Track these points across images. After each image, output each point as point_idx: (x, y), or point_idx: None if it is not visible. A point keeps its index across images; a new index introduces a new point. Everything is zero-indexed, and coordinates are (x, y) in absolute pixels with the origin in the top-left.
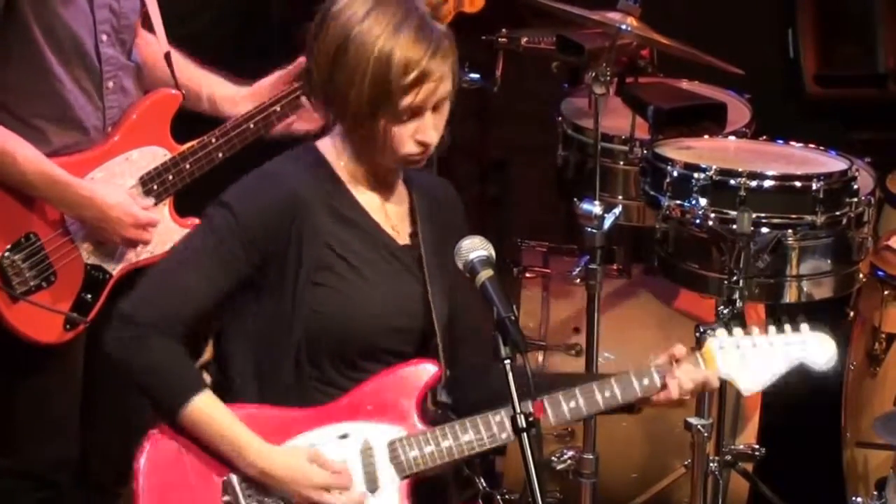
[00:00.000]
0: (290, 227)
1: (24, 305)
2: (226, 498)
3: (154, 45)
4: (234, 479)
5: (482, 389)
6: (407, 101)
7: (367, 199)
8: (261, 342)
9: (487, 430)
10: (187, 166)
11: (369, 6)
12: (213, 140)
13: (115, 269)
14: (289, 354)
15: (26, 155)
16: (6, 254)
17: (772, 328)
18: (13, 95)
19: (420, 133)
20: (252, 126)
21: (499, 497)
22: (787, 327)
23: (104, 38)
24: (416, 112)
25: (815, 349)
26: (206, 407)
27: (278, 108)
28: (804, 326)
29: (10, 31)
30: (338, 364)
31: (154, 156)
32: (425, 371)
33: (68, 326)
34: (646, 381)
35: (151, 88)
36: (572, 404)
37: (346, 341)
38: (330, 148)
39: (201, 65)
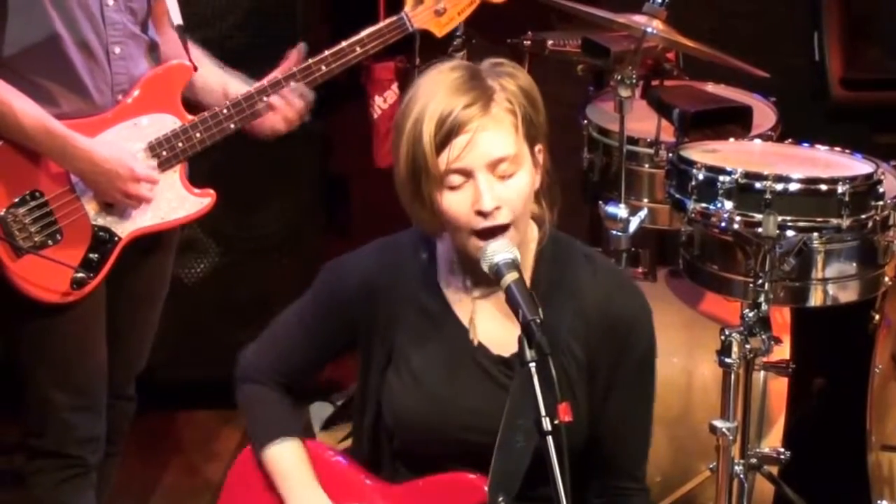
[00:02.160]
0: (359, 310)
1: (30, 261)
2: None
3: (171, 42)
4: None
5: None
6: (443, 158)
7: (462, 302)
8: (356, 407)
9: None
10: (197, 135)
11: (429, 75)
12: (225, 111)
13: (124, 233)
14: (366, 431)
15: (24, 108)
16: (10, 209)
17: None
18: (20, 55)
19: (475, 200)
20: (265, 100)
21: None
22: None
23: (110, 2)
24: (460, 173)
25: None
26: (279, 456)
27: (293, 84)
28: None
29: None
30: (405, 459)
31: (164, 123)
32: (469, 488)
33: (75, 286)
34: None
35: None
36: None
37: (411, 442)
38: (445, 239)
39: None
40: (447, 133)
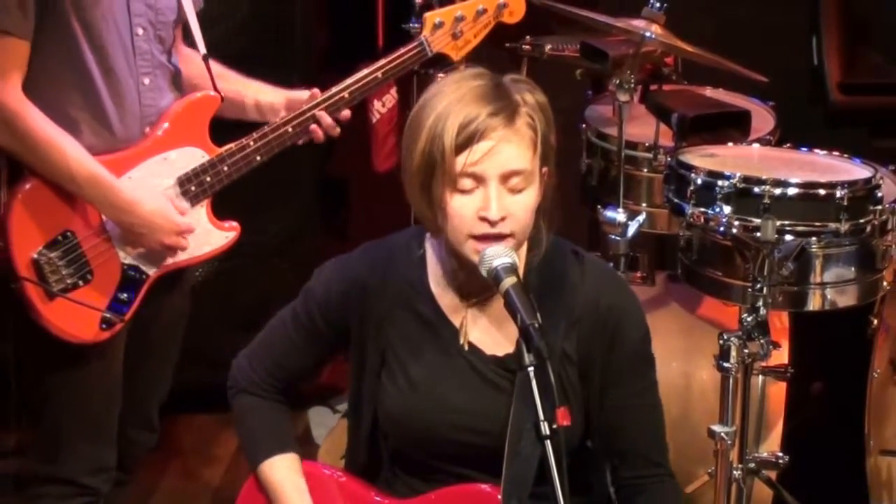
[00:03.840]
0: (351, 312)
1: (60, 303)
2: None
3: (194, 58)
4: None
5: None
6: (461, 160)
7: (452, 301)
8: (351, 414)
9: None
10: (225, 168)
11: (452, 77)
12: (252, 143)
13: (153, 271)
14: (363, 436)
15: (76, 153)
16: (43, 251)
17: None
18: (47, 82)
19: (483, 207)
20: (290, 130)
21: None
22: None
23: (140, 31)
24: (474, 178)
25: None
26: (273, 472)
27: (316, 113)
28: None
29: (47, 17)
30: (402, 462)
31: (192, 157)
32: (483, 499)
33: (104, 326)
34: None
35: None
36: None
37: (406, 444)
38: (441, 240)
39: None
40: (470, 136)
